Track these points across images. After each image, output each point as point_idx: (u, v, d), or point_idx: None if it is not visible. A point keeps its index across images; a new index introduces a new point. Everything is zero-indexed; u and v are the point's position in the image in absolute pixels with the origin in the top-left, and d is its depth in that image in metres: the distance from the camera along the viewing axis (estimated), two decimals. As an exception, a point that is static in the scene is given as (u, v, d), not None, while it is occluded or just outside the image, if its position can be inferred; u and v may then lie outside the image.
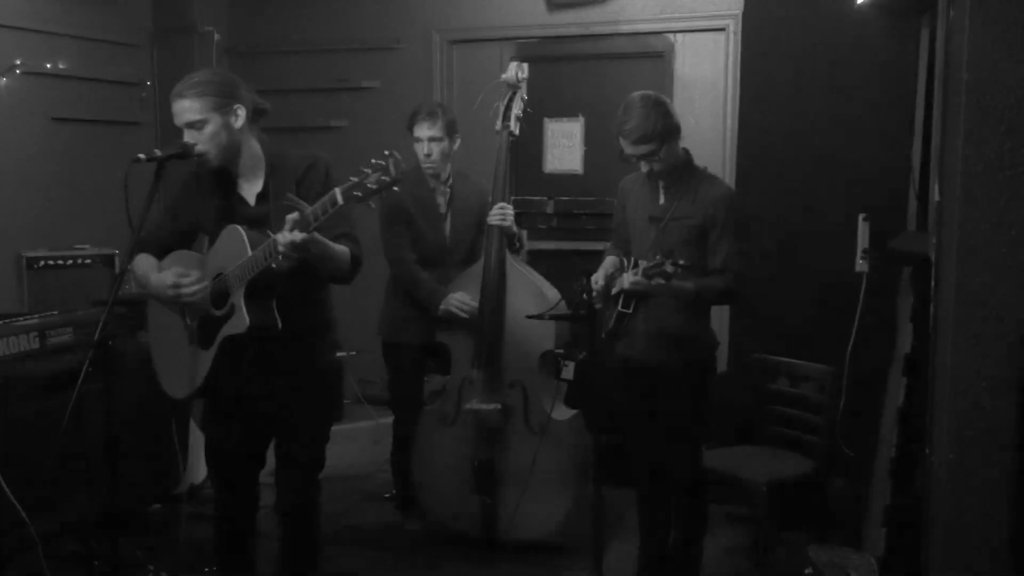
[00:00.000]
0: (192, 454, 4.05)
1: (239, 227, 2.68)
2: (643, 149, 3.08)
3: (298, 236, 2.48)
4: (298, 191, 2.77)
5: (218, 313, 2.74)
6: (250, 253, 2.61)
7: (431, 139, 3.85)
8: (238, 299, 2.66)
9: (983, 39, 2.35)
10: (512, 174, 5.26)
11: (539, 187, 5.35)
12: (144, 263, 2.90)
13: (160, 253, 2.92)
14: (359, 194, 2.39)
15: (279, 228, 2.65)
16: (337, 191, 2.43)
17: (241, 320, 2.65)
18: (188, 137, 2.70)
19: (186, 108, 2.68)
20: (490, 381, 3.73)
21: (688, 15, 5.01)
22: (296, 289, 2.73)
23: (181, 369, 2.87)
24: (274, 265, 2.56)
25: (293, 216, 2.50)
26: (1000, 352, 2.41)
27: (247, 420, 2.91)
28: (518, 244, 3.91)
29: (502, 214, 3.74)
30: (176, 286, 2.74)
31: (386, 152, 2.40)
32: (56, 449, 2.93)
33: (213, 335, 2.76)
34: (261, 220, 2.77)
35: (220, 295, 2.74)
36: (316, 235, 2.55)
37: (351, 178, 2.42)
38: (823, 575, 3.17)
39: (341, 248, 2.72)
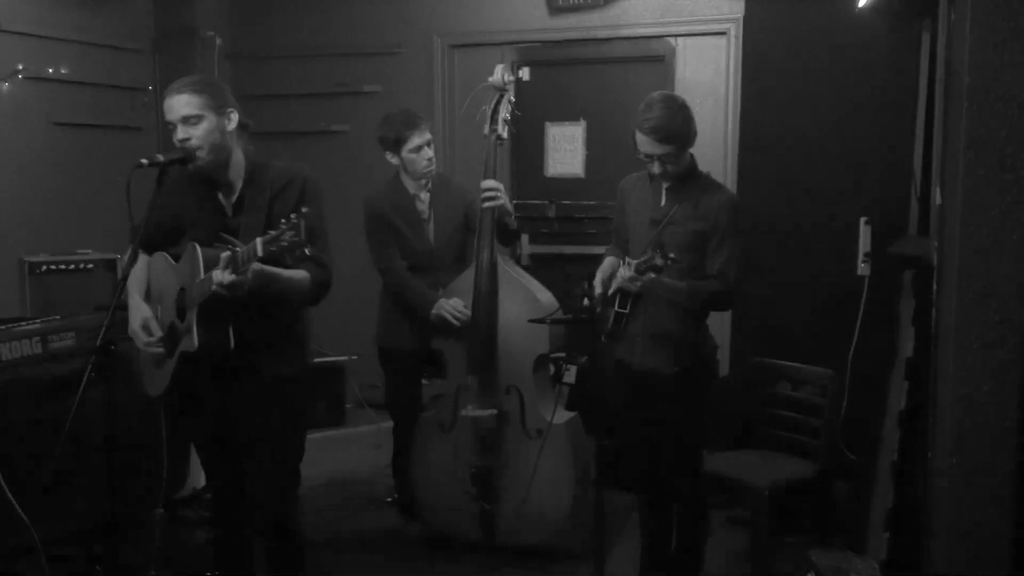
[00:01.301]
0: (193, 458, 4.04)
1: (196, 246, 2.70)
2: (663, 148, 3.04)
3: (227, 277, 2.53)
4: (272, 205, 2.80)
5: (180, 326, 2.78)
6: (202, 276, 2.65)
7: (428, 144, 3.88)
8: (191, 318, 2.69)
9: (984, 44, 2.35)
10: (513, 177, 5.32)
11: (540, 191, 5.35)
12: (135, 271, 2.92)
13: (149, 250, 2.94)
14: (274, 249, 2.47)
15: (248, 241, 2.66)
16: (258, 242, 2.49)
17: (191, 340, 2.69)
18: (181, 133, 2.71)
19: (184, 103, 2.70)
20: (485, 386, 3.73)
21: (689, 19, 5.01)
22: (256, 308, 2.75)
23: (152, 369, 2.92)
24: (220, 291, 2.58)
25: (226, 255, 2.54)
26: (1002, 355, 2.41)
27: (217, 431, 2.94)
28: (514, 225, 3.82)
29: (492, 193, 3.64)
30: (134, 334, 2.82)
31: (303, 210, 2.48)
32: (58, 454, 2.93)
33: (174, 346, 2.80)
34: (236, 231, 2.79)
35: (182, 309, 2.78)
36: (257, 270, 2.59)
37: (269, 231, 2.49)
38: (825, 579, 3.17)
39: (296, 275, 2.75)
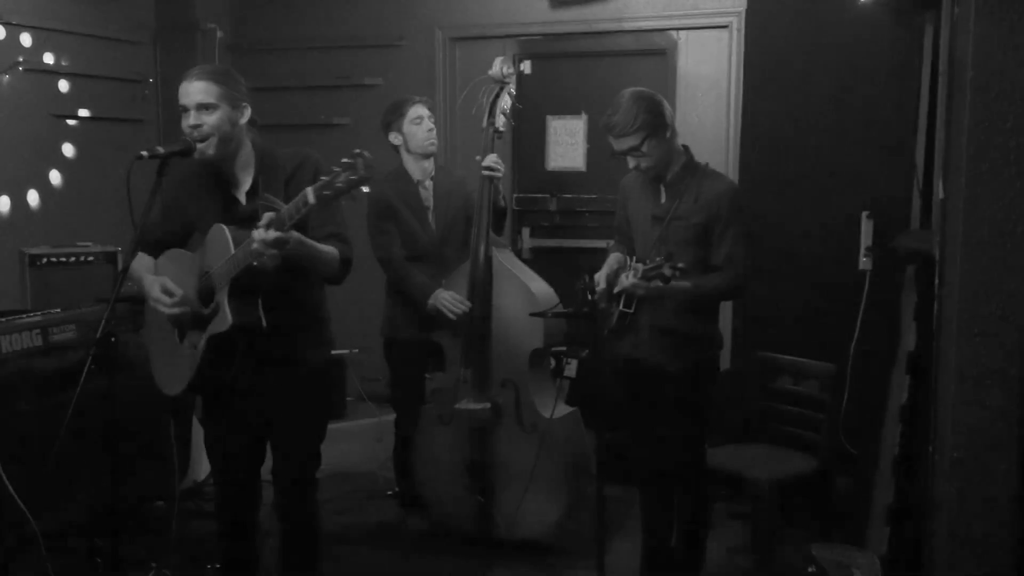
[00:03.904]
0: (195, 451, 4.04)
1: (223, 226, 2.69)
2: (625, 143, 3.06)
3: (271, 234, 2.48)
4: (287, 189, 2.78)
5: (205, 312, 2.74)
6: (232, 252, 2.62)
7: (428, 116, 3.93)
8: (222, 298, 2.66)
9: (988, 37, 2.34)
10: (514, 170, 5.31)
11: (542, 184, 5.35)
12: (139, 263, 2.91)
13: (156, 252, 2.93)
14: (329, 193, 2.40)
15: None
16: (309, 190, 2.44)
17: (224, 319, 2.65)
18: (194, 119, 2.70)
19: (202, 89, 2.69)
20: (480, 380, 3.74)
21: (691, 12, 5.00)
22: (283, 288, 2.74)
23: (173, 366, 2.87)
24: (255, 263, 2.55)
25: (269, 214, 2.51)
26: (1004, 350, 2.40)
27: (241, 417, 2.92)
28: (503, 203, 3.92)
29: (493, 165, 3.75)
30: (157, 301, 2.77)
31: (355, 151, 2.41)
32: (59, 446, 2.93)
33: (201, 333, 2.77)
34: (252, 218, 2.77)
35: (207, 293, 2.74)
36: (296, 235, 2.56)
37: (321, 177, 2.44)
38: (826, 573, 3.17)
39: (328, 249, 2.74)
